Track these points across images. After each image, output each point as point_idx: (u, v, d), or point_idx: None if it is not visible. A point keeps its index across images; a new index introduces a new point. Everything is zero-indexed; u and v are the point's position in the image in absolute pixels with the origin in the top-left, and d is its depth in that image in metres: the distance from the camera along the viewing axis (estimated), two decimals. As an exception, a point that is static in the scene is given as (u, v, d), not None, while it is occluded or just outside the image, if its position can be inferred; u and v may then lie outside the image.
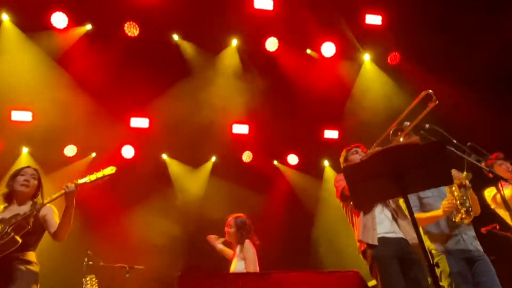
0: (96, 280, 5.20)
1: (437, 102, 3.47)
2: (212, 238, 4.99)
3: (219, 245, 4.86)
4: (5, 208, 3.80)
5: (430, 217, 3.93)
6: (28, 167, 4.00)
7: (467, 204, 3.73)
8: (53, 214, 3.78)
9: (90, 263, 5.48)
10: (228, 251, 4.82)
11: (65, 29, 6.95)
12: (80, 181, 3.75)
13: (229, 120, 8.03)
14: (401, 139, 3.81)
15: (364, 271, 3.81)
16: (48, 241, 3.82)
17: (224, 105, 7.73)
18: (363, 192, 2.92)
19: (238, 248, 4.55)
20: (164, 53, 7.46)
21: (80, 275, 5.32)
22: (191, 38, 7.55)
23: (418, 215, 3.91)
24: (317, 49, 7.86)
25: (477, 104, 7.15)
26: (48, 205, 3.75)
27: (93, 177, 3.83)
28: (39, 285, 3.64)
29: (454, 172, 3.83)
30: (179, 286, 2.00)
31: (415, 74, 7.67)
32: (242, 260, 4.31)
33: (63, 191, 3.66)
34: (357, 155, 4.07)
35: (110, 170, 3.88)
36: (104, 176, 3.84)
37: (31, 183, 3.84)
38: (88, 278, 5.19)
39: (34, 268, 3.63)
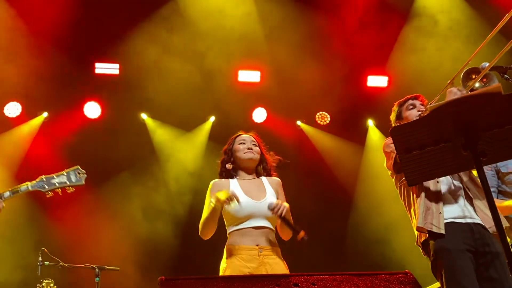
0: (55, 287, 5.29)
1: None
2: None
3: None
4: None
5: None
6: None
7: None
8: None
9: (46, 263, 5.60)
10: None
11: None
12: (7, 194, 3.75)
13: (233, 64, 7.99)
14: (477, 85, 3.74)
15: (422, 270, 3.83)
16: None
17: (225, 43, 7.69)
18: (419, 163, 2.92)
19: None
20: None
21: (33, 280, 5.46)
22: None
23: (496, 202, 3.89)
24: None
25: None
26: None
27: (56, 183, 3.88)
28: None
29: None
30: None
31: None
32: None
33: None
34: (415, 111, 4.03)
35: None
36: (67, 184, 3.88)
37: None
38: (44, 284, 5.29)
39: None
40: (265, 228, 3.93)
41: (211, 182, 4.15)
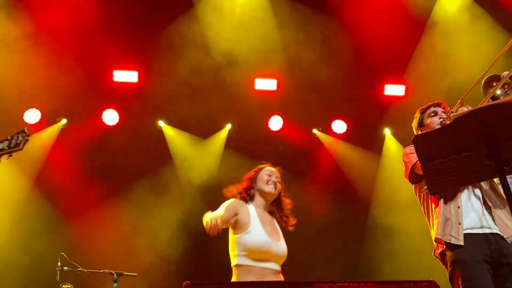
0: (74, 292, 5.37)
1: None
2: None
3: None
4: None
5: None
6: None
7: None
8: None
9: (66, 269, 5.64)
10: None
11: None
12: None
13: (250, 72, 8.02)
14: (498, 92, 3.71)
15: (441, 281, 3.82)
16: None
17: (242, 50, 7.71)
18: (442, 172, 2.90)
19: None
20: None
21: (52, 285, 5.50)
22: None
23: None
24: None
25: None
26: None
27: None
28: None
29: None
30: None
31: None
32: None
33: None
34: (436, 118, 4.01)
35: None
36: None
37: None
38: (63, 289, 5.36)
39: None
40: (273, 270, 3.91)
41: (232, 199, 4.15)
